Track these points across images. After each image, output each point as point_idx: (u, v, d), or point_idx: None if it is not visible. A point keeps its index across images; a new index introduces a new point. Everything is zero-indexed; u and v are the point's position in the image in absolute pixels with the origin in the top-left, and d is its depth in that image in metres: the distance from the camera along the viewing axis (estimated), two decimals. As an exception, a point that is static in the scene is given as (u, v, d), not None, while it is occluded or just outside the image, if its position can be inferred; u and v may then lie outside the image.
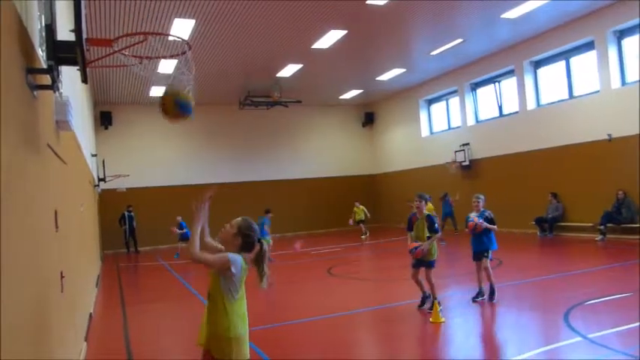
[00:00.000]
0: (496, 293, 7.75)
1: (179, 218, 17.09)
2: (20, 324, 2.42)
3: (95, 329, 7.71)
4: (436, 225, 7.14)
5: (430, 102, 22.96)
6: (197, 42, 14.03)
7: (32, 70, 3.23)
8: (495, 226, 7.90)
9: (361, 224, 20.25)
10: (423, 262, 7.33)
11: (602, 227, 13.94)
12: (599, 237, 13.92)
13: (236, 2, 11.72)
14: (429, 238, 7.19)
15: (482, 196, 8.04)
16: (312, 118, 25.25)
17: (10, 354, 2.13)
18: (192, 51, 14.71)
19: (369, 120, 26.60)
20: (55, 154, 4.44)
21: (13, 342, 2.20)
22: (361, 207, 20.42)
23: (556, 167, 16.02)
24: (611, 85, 14.28)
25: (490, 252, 7.87)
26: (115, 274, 14.20)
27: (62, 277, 4.37)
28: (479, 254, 7.89)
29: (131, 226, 20.11)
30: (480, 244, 7.86)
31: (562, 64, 16.31)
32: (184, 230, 16.54)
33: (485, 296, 7.80)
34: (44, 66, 3.64)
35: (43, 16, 3.70)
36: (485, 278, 7.85)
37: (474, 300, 7.77)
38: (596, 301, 7.25)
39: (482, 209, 7.89)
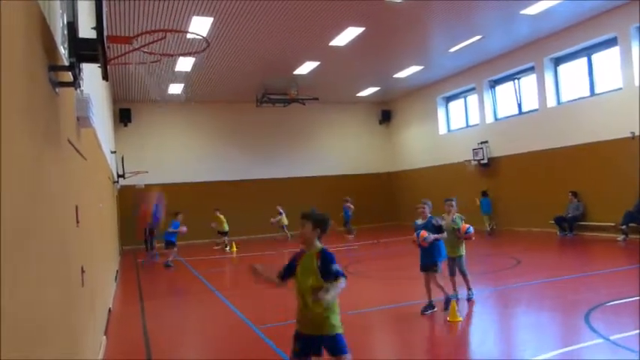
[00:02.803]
0: (451, 303, 7.06)
1: (180, 217, 15.18)
2: (45, 317, 2.45)
3: (114, 323, 7.80)
4: (334, 266, 3.76)
5: (448, 99, 22.79)
6: (215, 40, 14.08)
7: (54, 67, 3.26)
8: (443, 234, 7.23)
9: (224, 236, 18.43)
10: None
11: (623, 227, 13.71)
12: (620, 237, 13.69)
13: (254, 0, 11.73)
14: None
15: (429, 202, 7.49)
16: (329, 115, 25.21)
17: (35, 346, 2.15)
18: (210, 49, 14.85)
19: (386, 117, 26.49)
20: (76, 149, 4.48)
21: (37, 334, 2.23)
22: (221, 216, 18.53)
23: (577, 165, 15.79)
24: (634, 81, 14.01)
25: (439, 264, 7.26)
26: (134, 270, 14.36)
27: (83, 271, 4.42)
28: (426, 267, 7.29)
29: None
30: (427, 257, 7.26)
31: (584, 60, 16.06)
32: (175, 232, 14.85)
33: (437, 308, 7.21)
34: (66, 63, 3.68)
35: (65, 14, 3.74)
36: (439, 290, 7.26)
37: (422, 312, 7.12)
38: (617, 302, 7.13)
39: (429, 216, 7.28)
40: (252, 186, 23.00)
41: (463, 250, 7.72)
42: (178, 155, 22.27)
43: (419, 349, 6.14)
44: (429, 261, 7.22)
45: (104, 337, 6.63)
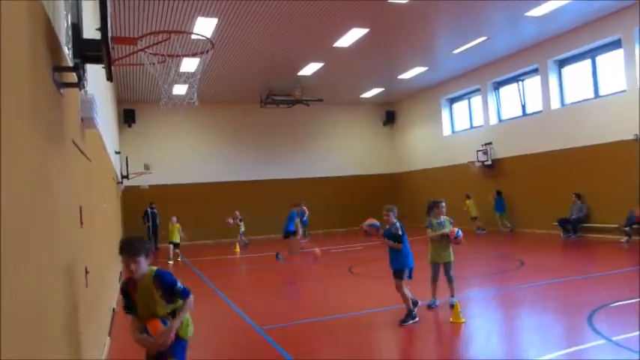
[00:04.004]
0: (411, 320, 6.78)
1: (298, 208, 15.50)
2: (48, 318, 2.47)
3: (118, 324, 7.82)
4: (177, 286, 3.75)
5: (452, 101, 22.77)
6: (219, 41, 14.13)
7: (59, 68, 3.28)
8: (397, 244, 6.90)
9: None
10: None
11: (627, 229, 13.69)
12: (624, 238, 13.67)
13: (258, 1, 11.76)
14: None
15: (394, 209, 7.19)
16: (333, 116, 25.24)
17: (38, 346, 2.17)
18: (215, 50, 14.89)
19: (390, 119, 26.49)
20: (80, 150, 4.51)
21: (40, 335, 2.25)
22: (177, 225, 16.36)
23: (580, 167, 15.76)
24: (637, 84, 13.98)
25: (406, 271, 6.92)
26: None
27: (87, 272, 4.44)
28: (394, 273, 7.02)
29: (154, 222, 20.32)
30: (392, 263, 7.03)
31: (588, 62, 16.03)
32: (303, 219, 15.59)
33: (415, 312, 6.87)
34: (70, 64, 3.70)
35: (69, 15, 3.76)
36: (402, 298, 6.93)
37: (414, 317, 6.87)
38: (620, 303, 7.12)
39: (394, 222, 7.02)
40: (255, 187, 23.03)
41: (452, 256, 7.52)
42: (182, 156, 22.33)
43: (422, 349, 6.14)
44: (394, 267, 6.99)
45: (108, 337, 6.65)
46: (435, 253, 7.54)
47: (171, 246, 15.99)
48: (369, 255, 15.18)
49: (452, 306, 7.15)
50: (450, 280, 7.54)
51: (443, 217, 7.60)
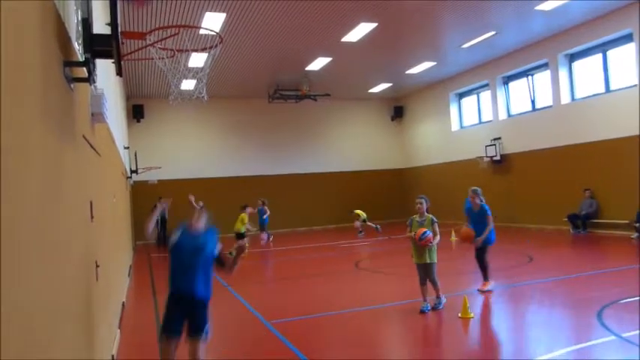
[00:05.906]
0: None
1: None
2: (59, 311, 2.49)
3: (128, 317, 7.88)
4: None
5: (461, 95, 22.66)
6: (227, 36, 14.13)
7: (69, 63, 3.30)
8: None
9: None
10: None
11: (637, 224, 13.58)
12: (634, 234, 13.57)
13: (266, -4, 11.75)
14: None
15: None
16: (340, 111, 25.19)
17: (49, 339, 2.19)
18: (223, 45, 14.90)
19: (398, 114, 26.40)
20: (90, 145, 4.53)
21: (51, 328, 2.27)
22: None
23: (591, 163, 15.64)
24: (649, 78, 13.85)
25: (206, 328, 4.71)
26: (147, 265, 14.47)
27: (97, 266, 4.47)
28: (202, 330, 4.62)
29: (163, 217, 20.37)
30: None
31: (598, 57, 15.88)
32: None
33: None
34: (80, 59, 3.71)
35: (79, 11, 3.78)
36: None
37: None
38: (630, 299, 7.07)
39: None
40: (262, 182, 23.05)
41: (433, 258, 7.13)
42: (191, 151, 22.39)
43: (430, 345, 6.14)
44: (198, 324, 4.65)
45: (118, 330, 6.71)
46: (414, 255, 7.25)
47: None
48: (376, 251, 15.20)
49: (435, 308, 7.08)
50: (432, 283, 7.18)
51: (426, 216, 7.29)
